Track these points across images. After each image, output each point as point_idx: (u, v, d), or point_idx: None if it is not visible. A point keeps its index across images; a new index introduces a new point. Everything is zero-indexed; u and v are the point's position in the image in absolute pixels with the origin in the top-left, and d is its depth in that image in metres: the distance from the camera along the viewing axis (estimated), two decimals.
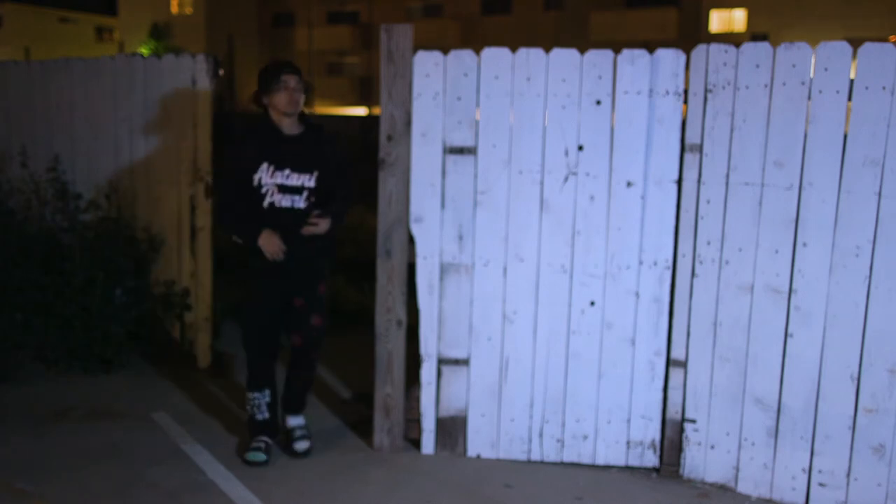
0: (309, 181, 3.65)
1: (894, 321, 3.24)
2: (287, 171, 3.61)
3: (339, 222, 3.76)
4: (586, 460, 3.80)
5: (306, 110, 3.76)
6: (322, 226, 3.64)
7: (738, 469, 3.57)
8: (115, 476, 3.60)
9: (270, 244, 3.57)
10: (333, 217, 3.69)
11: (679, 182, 3.57)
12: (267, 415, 3.83)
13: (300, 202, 3.64)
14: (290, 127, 3.67)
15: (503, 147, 3.67)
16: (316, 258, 3.76)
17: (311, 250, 3.70)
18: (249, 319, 3.78)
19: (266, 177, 3.60)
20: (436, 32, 34.10)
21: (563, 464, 3.82)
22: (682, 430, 3.66)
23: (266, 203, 3.61)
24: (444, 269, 3.78)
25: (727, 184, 3.47)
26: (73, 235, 5.10)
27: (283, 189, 3.62)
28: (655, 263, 3.63)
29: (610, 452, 3.78)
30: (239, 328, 3.85)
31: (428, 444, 3.90)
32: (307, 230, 3.62)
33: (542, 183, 3.67)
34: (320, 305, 3.80)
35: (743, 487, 3.56)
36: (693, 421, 3.64)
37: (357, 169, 4.07)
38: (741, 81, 3.39)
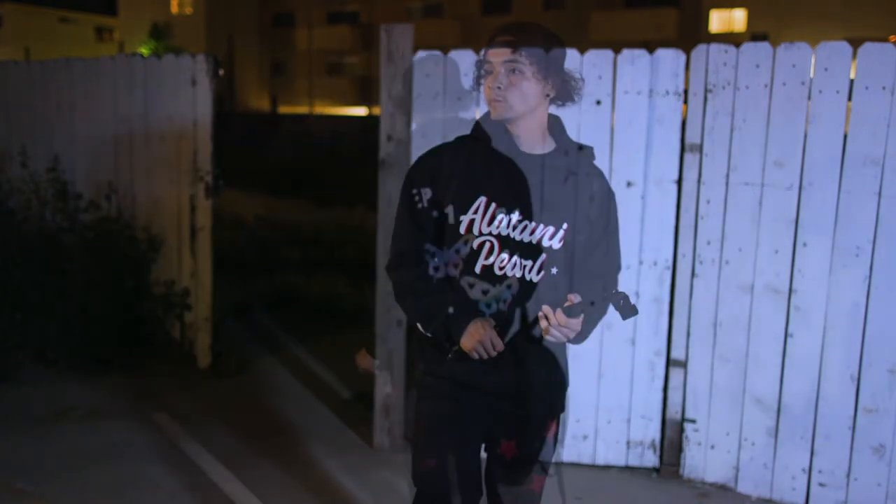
0: (552, 238, 2.08)
1: (894, 321, 3.24)
2: (517, 215, 2.06)
3: (591, 324, 2.09)
4: (586, 460, 3.80)
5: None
6: (574, 326, 1.95)
7: (738, 469, 3.57)
8: (115, 476, 3.60)
9: (478, 340, 1.99)
10: (593, 313, 2.02)
11: (679, 182, 3.57)
12: None
13: (533, 273, 2.07)
14: (530, 140, 2.12)
15: None
16: (553, 376, 2.19)
17: (545, 363, 2.16)
18: (422, 474, 2.16)
19: (483, 222, 2.05)
20: (436, 32, 34.06)
21: (562, 464, 3.82)
22: (682, 429, 3.66)
23: (479, 267, 2.06)
24: None
25: (727, 184, 3.47)
26: (73, 235, 5.11)
27: (510, 245, 2.06)
28: (655, 263, 3.63)
29: (610, 452, 3.78)
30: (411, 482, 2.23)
31: None
32: (552, 331, 1.95)
33: None
34: (547, 457, 2.22)
35: (743, 487, 3.56)
36: (693, 421, 3.64)
37: (357, 169, 3.95)
38: (741, 81, 3.39)
